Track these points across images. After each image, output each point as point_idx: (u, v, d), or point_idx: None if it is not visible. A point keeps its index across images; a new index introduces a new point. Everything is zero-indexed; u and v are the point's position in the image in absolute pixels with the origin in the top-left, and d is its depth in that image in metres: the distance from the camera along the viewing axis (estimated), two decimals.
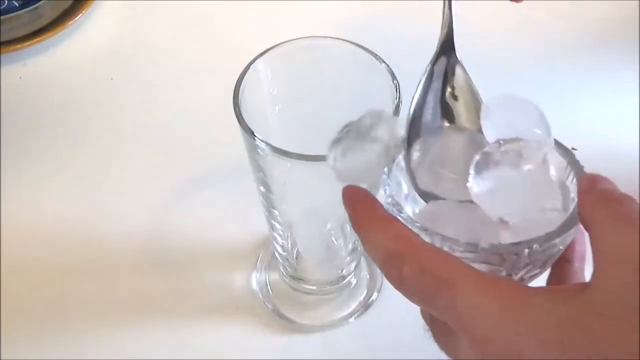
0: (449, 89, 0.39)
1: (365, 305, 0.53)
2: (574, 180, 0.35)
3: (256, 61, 0.43)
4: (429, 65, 0.39)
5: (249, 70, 0.43)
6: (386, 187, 0.36)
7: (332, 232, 0.48)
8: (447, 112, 0.39)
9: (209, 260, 0.55)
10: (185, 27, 0.71)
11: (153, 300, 0.53)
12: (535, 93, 0.36)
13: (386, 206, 0.35)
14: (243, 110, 0.41)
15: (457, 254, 0.32)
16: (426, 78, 0.39)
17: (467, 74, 0.39)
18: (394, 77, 0.42)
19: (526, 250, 0.32)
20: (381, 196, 0.36)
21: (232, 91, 0.42)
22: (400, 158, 0.37)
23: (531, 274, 0.34)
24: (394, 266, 0.33)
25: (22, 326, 0.52)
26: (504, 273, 0.33)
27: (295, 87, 0.45)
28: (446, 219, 0.35)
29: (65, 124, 0.63)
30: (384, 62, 0.43)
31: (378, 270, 0.54)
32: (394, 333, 0.51)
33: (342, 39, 0.44)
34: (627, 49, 0.69)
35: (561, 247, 0.34)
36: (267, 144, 0.40)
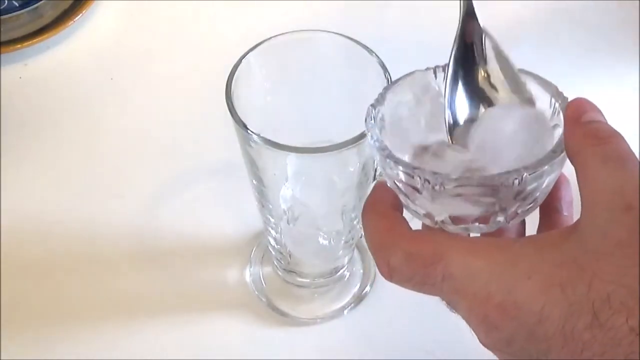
0: (482, 74, 0.38)
1: (359, 298, 0.53)
2: (560, 112, 0.35)
3: (248, 54, 0.43)
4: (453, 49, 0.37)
5: (242, 64, 0.43)
6: (373, 134, 0.36)
7: (324, 226, 0.48)
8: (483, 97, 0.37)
9: (202, 254, 0.55)
10: (184, 27, 0.71)
11: (147, 296, 0.53)
12: None
13: (375, 151, 0.35)
14: (235, 103, 0.41)
15: (449, 189, 0.33)
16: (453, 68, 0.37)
17: (495, 41, 0.38)
18: (385, 69, 0.42)
19: (516, 180, 0.32)
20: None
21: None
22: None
23: (524, 208, 0.35)
24: (381, 259, 0.34)
25: (21, 325, 0.52)
26: (496, 207, 0.34)
27: (288, 80, 0.45)
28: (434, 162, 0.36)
29: (65, 124, 0.64)
30: (376, 54, 0.43)
31: (371, 263, 0.54)
32: (387, 325, 0.52)
33: (334, 32, 0.44)
34: (627, 49, 0.69)
35: (551, 177, 0.34)
36: (260, 136, 0.40)
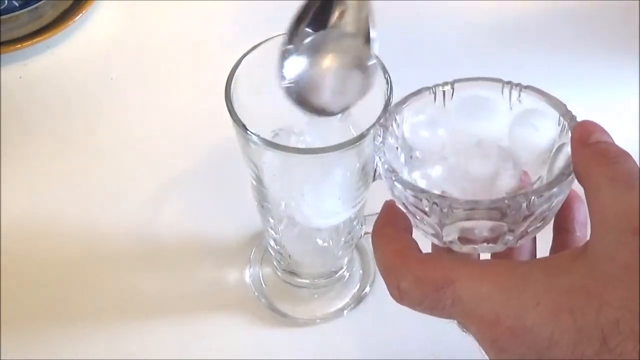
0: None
1: (358, 299, 0.53)
2: (568, 131, 0.35)
3: (248, 54, 0.43)
4: None
5: (241, 64, 0.43)
6: (380, 155, 0.36)
7: (323, 227, 0.48)
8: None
9: (202, 255, 0.55)
10: (184, 27, 0.71)
11: (147, 296, 0.53)
12: None
13: (383, 173, 0.36)
14: (235, 104, 0.41)
15: (458, 213, 0.33)
16: None
17: None
18: (385, 70, 0.42)
19: (524, 203, 0.32)
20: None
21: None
22: (394, 125, 0.38)
23: (533, 227, 0.34)
24: (392, 282, 0.34)
25: (21, 325, 0.52)
26: (505, 228, 0.34)
27: None
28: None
29: (65, 124, 0.64)
30: (375, 55, 0.43)
31: (371, 264, 0.54)
32: (387, 325, 0.52)
33: None
34: (627, 48, 0.69)
35: (560, 198, 0.34)
36: (259, 137, 0.40)
